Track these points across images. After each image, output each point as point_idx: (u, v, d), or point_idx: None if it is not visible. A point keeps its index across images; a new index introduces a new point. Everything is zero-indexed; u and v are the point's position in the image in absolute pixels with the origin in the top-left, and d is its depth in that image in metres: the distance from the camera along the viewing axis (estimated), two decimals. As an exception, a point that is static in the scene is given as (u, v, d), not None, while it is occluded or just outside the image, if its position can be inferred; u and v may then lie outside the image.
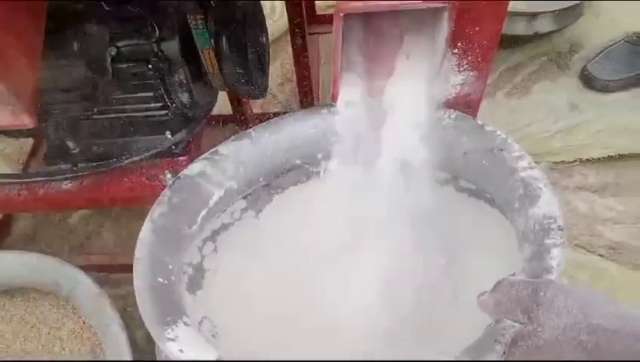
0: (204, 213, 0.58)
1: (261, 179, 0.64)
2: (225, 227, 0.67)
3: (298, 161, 0.64)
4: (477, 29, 0.52)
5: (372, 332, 0.64)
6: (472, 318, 0.46)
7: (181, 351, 0.43)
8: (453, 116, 0.60)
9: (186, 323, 0.45)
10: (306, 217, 0.70)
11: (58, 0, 0.60)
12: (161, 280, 0.49)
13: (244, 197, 0.66)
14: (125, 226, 1.13)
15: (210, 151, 0.60)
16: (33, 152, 1.11)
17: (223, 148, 0.60)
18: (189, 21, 0.65)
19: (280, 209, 0.69)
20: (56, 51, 0.62)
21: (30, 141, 1.16)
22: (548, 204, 0.52)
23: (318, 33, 1.30)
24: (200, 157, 0.59)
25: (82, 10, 0.65)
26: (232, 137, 0.61)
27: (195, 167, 0.58)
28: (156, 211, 0.55)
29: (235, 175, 0.60)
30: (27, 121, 0.57)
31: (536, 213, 0.51)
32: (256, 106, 1.22)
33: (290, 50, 1.28)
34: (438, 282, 0.66)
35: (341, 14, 0.48)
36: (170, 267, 0.51)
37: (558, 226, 0.50)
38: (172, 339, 0.44)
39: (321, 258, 0.70)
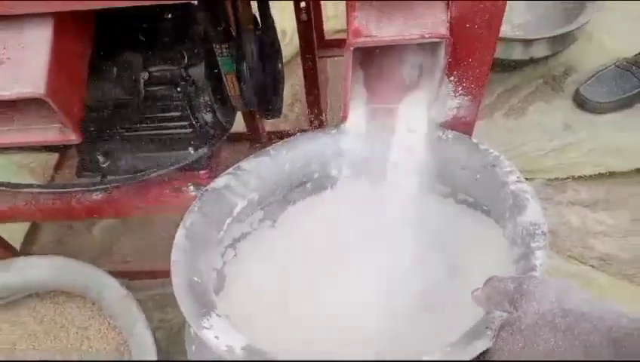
0: (229, 221, 0.65)
1: (278, 192, 0.71)
2: (244, 236, 0.74)
3: (311, 176, 0.71)
4: (470, 60, 0.60)
5: (378, 333, 0.70)
6: (470, 315, 0.53)
7: (216, 337, 0.49)
8: (451, 136, 0.67)
9: (218, 315, 0.52)
10: (317, 227, 0.77)
11: (103, 30, 0.67)
12: (195, 278, 0.56)
13: (262, 208, 0.73)
14: (143, 237, 1.20)
15: (234, 166, 0.67)
16: (58, 166, 1.19)
17: (245, 164, 0.67)
18: (215, 49, 0.73)
19: (293, 219, 0.76)
20: (98, 75, 0.70)
21: (55, 156, 1.24)
22: (534, 213, 0.58)
23: (326, 57, 1.38)
24: (225, 172, 0.67)
25: (121, 39, 0.72)
26: (253, 154, 0.69)
27: (221, 181, 0.66)
28: (188, 220, 0.62)
29: (256, 188, 0.67)
30: (74, 138, 0.64)
31: (524, 220, 0.58)
32: (268, 125, 1.29)
33: (299, 72, 1.36)
34: (439, 284, 0.73)
35: (351, 48, 0.55)
36: (201, 268, 0.58)
37: (542, 231, 0.56)
38: (208, 328, 0.50)
39: (329, 263, 0.76)
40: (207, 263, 0.61)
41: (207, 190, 0.65)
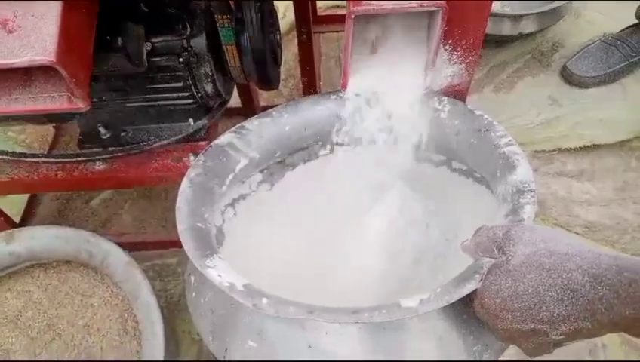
0: (231, 177, 0.68)
1: (278, 154, 0.74)
2: (243, 196, 0.77)
3: (311, 140, 0.74)
4: (464, 28, 0.63)
5: (375, 286, 0.74)
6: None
7: (219, 275, 0.52)
8: (447, 102, 0.71)
9: (220, 258, 0.55)
10: (314, 190, 0.80)
11: (107, 2, 0.69)
12: (199, 224, 0.59)
13: (261, 171, 0.76)
14: (143, 209, 1.23)
15: (237, 126, 0.70)
16: (55, 142, 1.21)
17: (248, 124, 0.70)
18: (217, 20, 0.75)
19: (291, 182, 0.79)
20: (102, 46, 0.71)
21: (52, 132, 1.26)
22: (523, 172, 0.62)
23: (320, 32, 1.40)
24: (228, 131, 0.69)
25: (125, 10, 0.74)
26: (256, 115, 0.71)
27: (224, 138, 0.68)
28: (192, 172, 0.65)
29: (257, 147, 0.70)
30: (82, 105, 0.66)
31: (514, 179, 0.61)
32: (262, 100, 1.31)
33: (292, 48, 1.39)
34: (434, 245, 0.76)
35: (352, 16, 0.58)
36: (205, 216, 0.61)
37: (531, 189, 0.59)
38: (211, 267, 0.53)
39: (326, 224, 0.79)
40: (209, 213, 0.63)
41: (211, 146, 0.68)
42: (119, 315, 0.94)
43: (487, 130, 0.67)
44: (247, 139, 0.70)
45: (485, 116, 0.67)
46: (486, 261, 0.50)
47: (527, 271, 0.45)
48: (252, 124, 0.70)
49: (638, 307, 0.39)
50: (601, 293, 0.41)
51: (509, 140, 0.64)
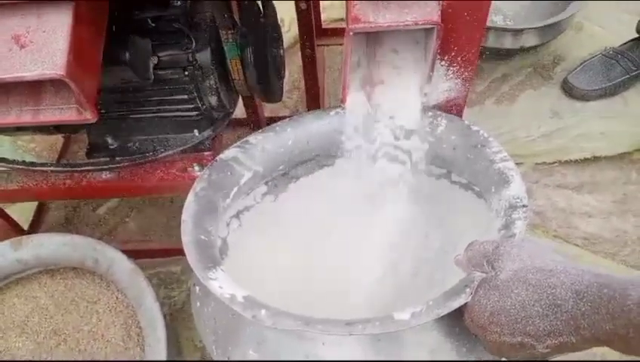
0: (235, 190, 0.70)
1: (281, 168, 0.76)
2: (248, 208, 0.79)
3: (313, 153, 0.76)
4: (460, 45, 0.65)
5: (373, 296, 0.75)
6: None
7: (221, 287, 0.54)
8: (445, 118, 0.72)
9: (222, 270, 0.57)
10: (317, 202, 0.82)
11: (116, 17, 0.71)
12: (202, 237, 0.61)
13: (266, 183, 0.78)
14: (149, 218, 1.25)
15: (242, 140, 0.72)
16: (63, 150, 1.24)
17: (252, 138, 0.72)
18: (221, 35, 0.78)
19: (295, 194, 0.81)
20: (110, 59, 0.74)
21: (60, 141, 1.28)
22: (517, 187, 0.63)
23: (324, 45, 1.43)
24: (233, 145, 0.72)
25: (132, 25, 0.76)
26: (260, 130, 0.73)
27: (229, 153, 0.71)
28: (198, 186, 0.67)
29: (261, 161, 0.72)
30: (90, 117, 0.68)
31: (508, 194, 0.63)
32: (267, 111, 1.33)
33: (297, 60, 1.41)
34: (433, 257, 0.78)
35: (350, 33, 0.60)
36: (209, 229, 0.63)
37: (523, 204, 0.61)
38: (213, 279, 0.55)
39: (328, 236, 0.81)
40: (213, 226, 0.65)
41: (216, 160, 0.70)
42: (123, 321, 0.95)
43: (483, 145, 0.68)
44: (251, 153, 0.72)
45: (482, 132, 0.69)
46: (477, 275, 0.52)
47: (514, 286, 0.47)
48: (256, 138, 0.73)
49: (617, 322, 0.40)
50: (583, 309, 0.42)
51: (504, 156, 0.66)
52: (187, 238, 0.60)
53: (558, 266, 0.46)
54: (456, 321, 0.54)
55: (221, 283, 0.55)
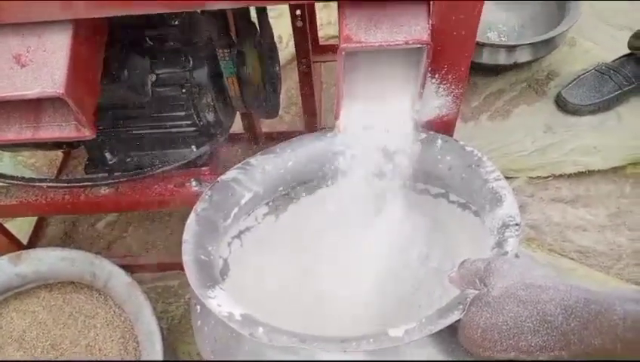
0: (236, 210, 0.71)
1: (281, 188, 0.77)
2: (249, 228, 0.80)
3: (313, 174, 0.77)
4: (450, 63, 0.66)
5: (376, 315, 0.76)
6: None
7: (219, 305, 0.55)
8: (440, 139, 0.74)
9: (221, 289, 0.58)
10: (317, 221, 0.82)
11: (114, 36, 0.73)
12: (202, 256, 0.62)
13: (267, 204, 0.79)
14: (147, 232, 1.26)
15: (243, 162, 0.73)
16: (63, 165, 1.25)
17: (252, 160, 0.74)
18: (218, 54, 0.79)
19: (296, 214, 0.82)
20: (109, 77, 0.76)
21: (59, 156, 1.30)
22: (510, 206, 0.65)
23: (321, 61, 1.45)
24: (234, 167, 0.73)
25: (131, 44, 0.78)
26: (260, 151, 0.75)
27: (230, 174, 0.72)
28: (199, 206, 0.68)
29: (261, 181, 0.73)
30: (88, 134, 0.70)
31: (501, 213, 0.64)
32: (265, 126, 1.35)
33: (294, 76, 1.43)
34: (430, 274, 0.79)
35: (342, 52, 0.61)
36: (209, 248, 0.64)
37: (516, 223, 0.62)
38: (212, 298, 0.56)
39: (329, 253, 0.82)
40: (214, 246, 0.66)
41: (217, 181, 0.71)
42: (121, 336, 0.96)
43: (477, 165, 0.70)
44: (252, 174, 0.73)
45: (475, 152, 0.71)
46: (470, 292, 0.53)
47: (506, 302, 0.48)
48: (257, 159, 0.74)
49: (605, 338, 0.41)
50: (573, 325, 0.43)
51: (498, 175, 0.67)
52: (188, 257, 0.61)
53: (547, 282, 0.47)
54: (450, 337, 0.55)
55: (219, 302, 0.56)
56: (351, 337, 0.52)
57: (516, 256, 0.60)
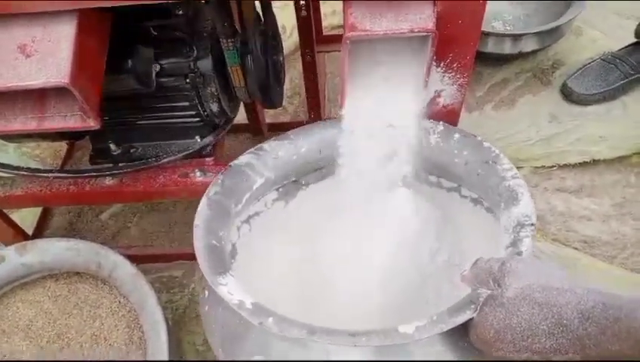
0: (247, 195, 0.71)
1: (293, 174, 0.77)
2: (258, 213, 0.80)
3: (324, 162, 0.78)
4: (455, 51, 0.66)
5: (380, 305, 0.76)
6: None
7: (230, 293, 0.56)
8: (458, 133, 0.74)
9: (232, 276, 0.58)
10: (326, 208, 0.82)
11: (119, 26, 0.73)
12: (214, 242, 0.62)
13: (277, 190, 0.79)
14: (151, 223, 1.26)
15: (256, 147, 0.74)
16: (67, 156, 1.25)
17: (266, 145, 0.74)
18: (222, 43, 0.79)
19: (305, 201, 0.82)
20: (113, 67, 0.75)
21: (64, 147, 1.30)
22: (526, 205, 0.65)
23: (325, 52, 1.44)
24: (247, 151, 0.73)
25: (134, 33, 0.78)
26: (274, 137, 0.75)
27: (243, 159, 0.72)
28: (212, 190, 0.68)
29: (274, 167, 0.74)
30: (93, 124, 0.70)
31: (517, 211, 0.64)
32: (268, 117, 1.35)
33: (298, 66, 1.42)
34: (440, 269, 0.78)
35: (347, 41, 0.61)
36: (220, 234, 0.64)
37: (531, 223, 0.62)
38: (224, 285, 0.57)
39: (337, 241, 0.82)
40: (225, 231, 0.66)
41: (230, 166, 0.71)
42: (126, 325, 0.97)
43: (494, 162, 0.69)
44: (265, 160, 0.73)
45: (493, 148, 0.70)
46: (482, 292, 0.52)
47: (521, 304, 0.47)
48: (270, 145, 0.74)
49: (623, 344, 0.41)
50: (589, 330, 0.43)
51: (515, 173, 0.67)
52: (199, 243, 0.62)
53: (564, 285, 0.47)
54: (461, 336, 0.55)
55: (230, 289, 0.56)
56: (361, 331, 0.52)
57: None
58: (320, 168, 0.80)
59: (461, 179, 0.76)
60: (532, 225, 0.62)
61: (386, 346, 0.53)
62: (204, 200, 0.67)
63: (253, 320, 0.53)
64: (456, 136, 0.73)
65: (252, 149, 0.73)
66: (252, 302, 0.54)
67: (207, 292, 0.64)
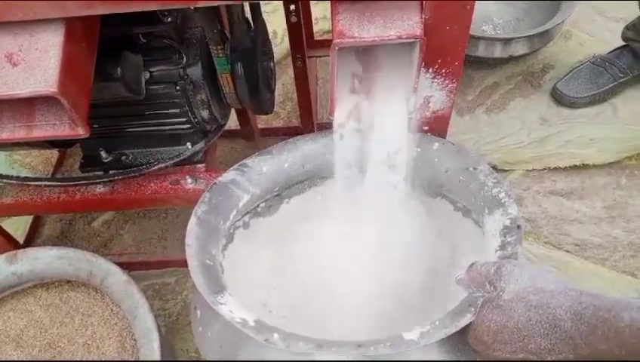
0: (234, 212, 0.71)
1: (277, 189, 0.77)
2: (242, 225, 0.79)
3: (307, 175, 0.78)
4: (443, 57, 0.66)
5: (373, 313, 0.76)
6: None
7: (231, 311, 0.55)
8: (437, 141, 0.74)
9: (229, 294, 0.58)
10: (312, 217, 0.83)
11: (107, 33, 0.73)
12: (207, 261, 0.62)
13: (259, 204, 0.79)
14: (143, 230, 1.26)
15: (239, 163, 0.74)
16: (58, 164, 1.25)
17: (249, 161, 0.74)
18: (211, 50, 0.79)
19: (290, 212, 0.82)
20: (102, 74, 0.75)
21: (55, 154, 1.30)
22: (511, 209, 0.65)
23: (316, 56, 1.44)
24: (231, 168, 0.73)
25: (124, 41, 0.78)
26: (257, 153, 0.75)
27: (228, 176, 0.72)
28: (199, 209, 0.68)
29: (258, 183, 0.73)
30: (82, 132, 0.69)
31: (501, 216, 0.65)
32: (260, 122, 1.35)
33: (290, 71, 1.42)
34: (435, 274, 0.78)
35: (336, 48, 0.61)
36: (212, 252, 0.64)
37: (517, 226, 0.63)
38: (223, 304, 0.56)
39: (323, 251, 0.82)
40: (216, 249, 0.66)
41: (215, 183, 0.71)
42: (118, 334, 0.96)
43: (474, 168, 0.70)
44: (249, 176, 0.73)
45: (472, 154, 0.71)
46: (479, 295, 0.54)
47: (517, 306, 0.49)
48: (253, 161, 0.74)
49: (611, 343, 0.43)
50: (581, 330, 0.45)
51: (496, 179, 0.68)
52: (193, 262, 0.61)
53: (558, 287, 0.49)
54: (458, 339, 0.56)
55: (231, 308, 0.56)
56: (368, 342, 0.52)
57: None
58: (302, 181, 0.80)
59: (445, 187, 0.76)
60: (518, 227, 0.62)
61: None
62: (193, 220, 0.67)
63: (259, 337, 0.53)
64: (436, 144, 0.74)
65: (236, 165, 0.73)
66: (255, 319, 0.54)
67: (199, 312, 0.63)
